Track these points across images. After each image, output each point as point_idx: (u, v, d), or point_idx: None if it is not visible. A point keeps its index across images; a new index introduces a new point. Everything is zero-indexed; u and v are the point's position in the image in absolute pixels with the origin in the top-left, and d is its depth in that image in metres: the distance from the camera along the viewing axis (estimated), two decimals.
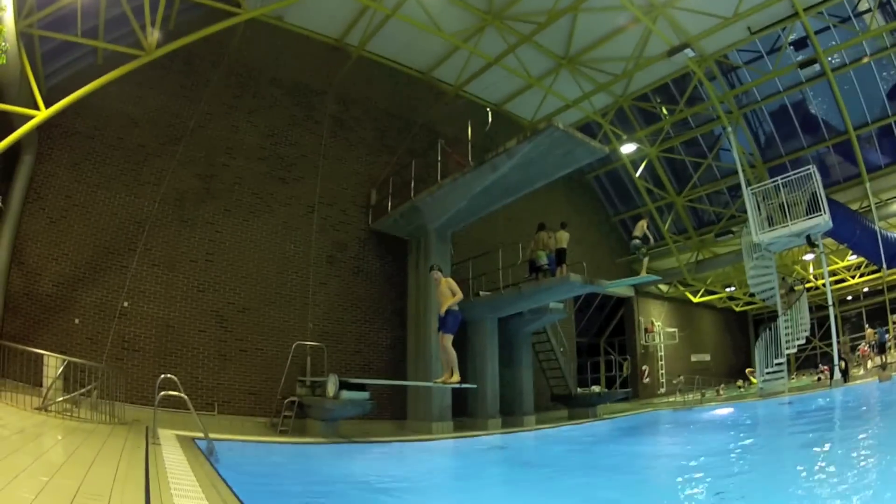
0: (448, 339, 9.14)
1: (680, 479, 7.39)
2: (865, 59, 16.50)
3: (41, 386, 8.72)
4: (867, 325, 22.75)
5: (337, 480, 7.80)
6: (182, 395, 7.80)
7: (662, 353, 26.00)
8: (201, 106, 13.47)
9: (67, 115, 10.89)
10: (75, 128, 11.79)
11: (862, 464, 6.69)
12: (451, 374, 9.21)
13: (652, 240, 15.92)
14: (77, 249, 11.44)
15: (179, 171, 12.92)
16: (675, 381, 21.35)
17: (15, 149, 9.89)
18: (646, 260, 15.13)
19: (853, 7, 15.65)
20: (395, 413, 14.30)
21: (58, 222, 11.36)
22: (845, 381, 15.79)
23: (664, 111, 20.36)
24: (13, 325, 10.39)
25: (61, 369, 8.68)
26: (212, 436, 7.95)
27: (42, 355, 8.86)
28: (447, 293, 9.11)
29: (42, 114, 8.99)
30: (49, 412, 8.26)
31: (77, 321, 11.08)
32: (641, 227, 14.82)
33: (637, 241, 14.66)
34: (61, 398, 8.64)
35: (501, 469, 9.89)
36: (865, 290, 28.96)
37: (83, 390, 8.97)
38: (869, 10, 15.40)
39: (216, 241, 13.17)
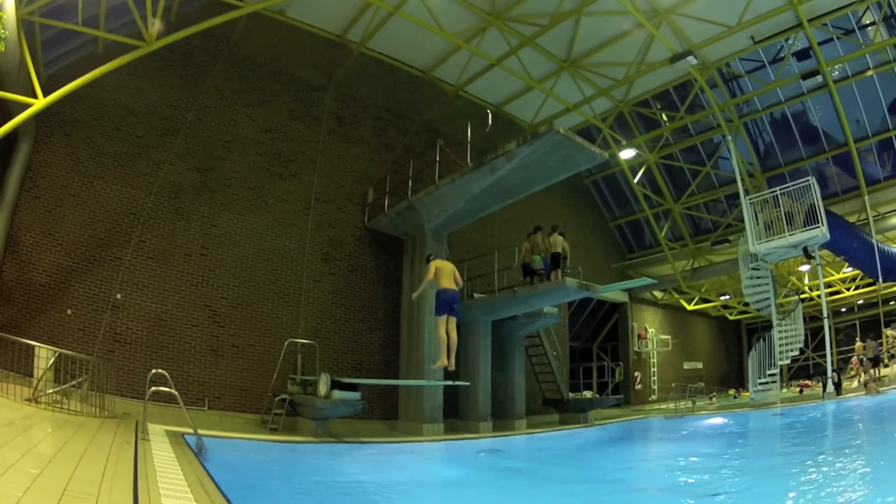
0: (441, 321, 8.94)
1: (671, 489, 7.38)
2: (869, 72, 16.51)
3: (32, 377, 8.64)
4: (857, 339, 22.79)
5: (327, 481, 7.75)
6: (172, 390, 7.74)
7: (655, 360, 26.00)
8: (200, 98, 13.38)
9: (65, 104, 10.87)
10: (73, 117, 11.70)
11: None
12: (448, 358, 8.94)
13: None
14: (71, 240, 11.33)
15: (176, 164, 12.84)
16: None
17: (12, 137, 9.82)
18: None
19: (857, 20, 15.71)
20: (386, 413, 14.27)
21: (53, 212, 11.25)
22: (838, 394, 15.86)
23: (664, 118, 20.36)
24: (5, 314, 10.30)
25: (52, 361, 8.61)
26: (201, 432, 7.90)
27: (33, 346, 8.79)
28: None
29: (40, 102, 8.87)
30: (39, 404, 8.18)
31: (69, 312, 10.97)
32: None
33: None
34: (52, 390, 8.56)
35: (493, 474, 9.81)
36: (860, 302, 29.06)
37: (74, 382, 8.90)
38: (873, 24, 15.44)
39: (211, 236, 13.06)
